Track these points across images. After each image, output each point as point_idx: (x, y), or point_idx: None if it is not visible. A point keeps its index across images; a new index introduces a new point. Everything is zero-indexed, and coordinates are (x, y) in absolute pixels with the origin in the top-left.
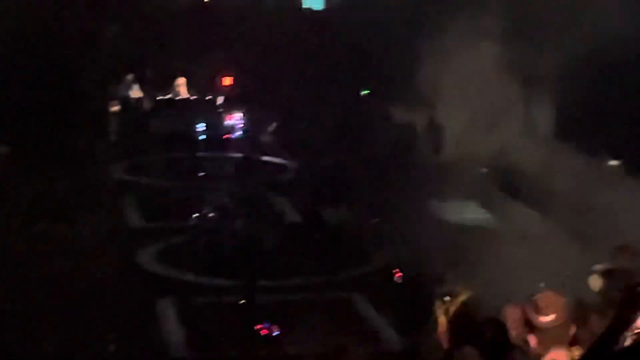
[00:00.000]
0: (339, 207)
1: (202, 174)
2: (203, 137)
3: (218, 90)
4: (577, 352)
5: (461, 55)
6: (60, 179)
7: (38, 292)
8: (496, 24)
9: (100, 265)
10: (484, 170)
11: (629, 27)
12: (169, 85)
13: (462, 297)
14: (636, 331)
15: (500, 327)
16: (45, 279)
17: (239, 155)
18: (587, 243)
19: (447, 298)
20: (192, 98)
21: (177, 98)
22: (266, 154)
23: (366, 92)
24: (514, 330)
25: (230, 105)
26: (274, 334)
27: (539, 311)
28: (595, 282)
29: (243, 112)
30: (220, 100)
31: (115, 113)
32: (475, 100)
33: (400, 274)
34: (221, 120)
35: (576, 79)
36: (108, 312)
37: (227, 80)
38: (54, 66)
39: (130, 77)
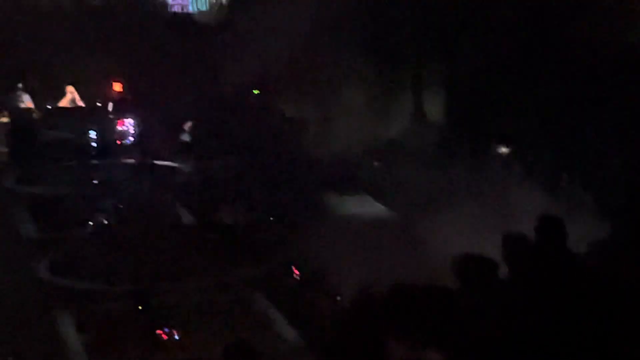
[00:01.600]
0: (234, 207)
1: (95, 181)
2: (95, 144)
3: (108, 96)
4: None
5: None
6: None
7: None
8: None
9: None
10: (377, 163)
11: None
12: (58, 94)
13: None
14: None
15: None
16: None
17: (132, 160)
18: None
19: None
20: (82, 105)
21: (67, 106)
22: (159, 158)
23: (256, 91)
24: None
25: (121, 111)
26: (175, 337)
27: None
28: None
29: (134, 117)
30: (110, 106)
31: (4, 124)
32: (364, 92)
33: (297, 271)
34: (112, 127)
35: (468, 65)
36: (4, 325)
37: (117, 86)
38: None
39: (19, 86)
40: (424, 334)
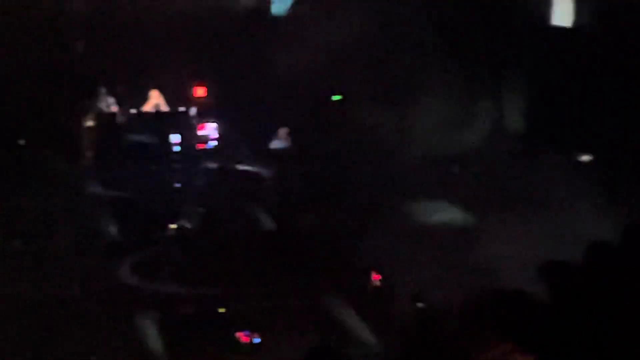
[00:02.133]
0: (314, 212)
1: (177, 185)
2: (177, 148)
3: (191, 101)
4: None
5: (428, 53)
6: (34, 195)
7: (15, 311)
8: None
9: (78, 281)
10: (456, 169)
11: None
12: (142, 98)
13: None
14: None
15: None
16: (22, 297)
17: (214, 165)
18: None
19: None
20: (165, 110)
21: (151, 111)
22: (241, 163)
23: (337, 97)
24: None
25: (204, 115)
26: (255, 341)
27: None
28: None
29: (216, 122)
30: (193, 111)
31: (89, 128)
32: (445, 99)
33: (377, 276)
34: (195, 131)
35: (547, 75)
36: (88, 328)
37: (200, 91)
38: (26, 81)
39: (103, 90)
40: (513, 340)
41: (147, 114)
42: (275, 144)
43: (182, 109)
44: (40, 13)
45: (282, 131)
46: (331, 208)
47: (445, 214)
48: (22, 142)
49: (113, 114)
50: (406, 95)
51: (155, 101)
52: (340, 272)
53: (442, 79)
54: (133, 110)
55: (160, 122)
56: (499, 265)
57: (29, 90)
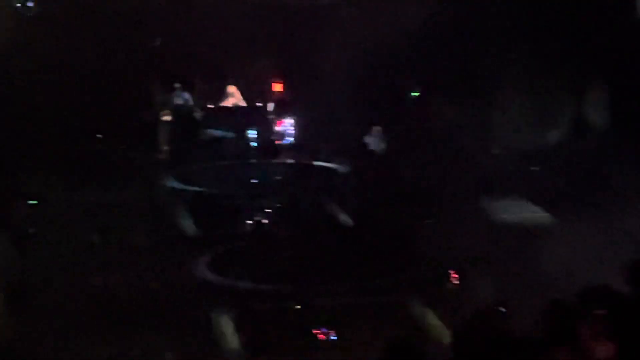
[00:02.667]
0: (391, 209)
1: (254, 180)
2: (254, 144)
3: (268, 96)
4: None
5: (509, 50)
6: (113, 189)
7: (93, 304)
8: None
9: (156, 275)
10: (537, 168)
11: None
12: (220, 94)
13: None
14: None
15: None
16: (100, 291)
17: (291, 161)
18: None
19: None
20: (242, 105)
21: (228, 105)
22: (317, 159)
23: (415, 93)
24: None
25: (281, 111)
26: (331, 338)
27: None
28: None
29: (293, 118)
30: (270, 106)
31: (166, 122)
32: (527, 95)
33: (456, 275)
34: (272, 127)
35: (630, 72)
36: (164, 323)
37: (277, 87)
38: (105, 77)
39: (179, 86)
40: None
41: (225, 109)
42: (369, 142)
43: (259, 104)
44: (119, 8)
45: (376, 129)
46: (410, 205)
47: (526, 212)
48: (100, 136)
49: (191, 109)
50: (487, 92)
51: (232, 97)
52: (418, 270)
53: (523, 75)
54: (210, 106)
55: (238, 118)
56: (579, 263)
57: (108, 84)
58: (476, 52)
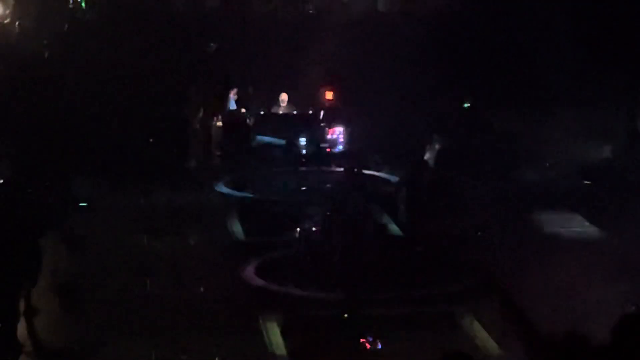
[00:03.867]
0: (442, 219)
1: (304, 188)
2: (305, 151)
3: (320, 104)
4: None
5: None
6: (164, 194)
7: (142, 308)
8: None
9: (205, 280)
10: (588, 182)
11: None
12: (272, 101)
13: None
14: None
15: None
16: (148, 295)
17: (341, 169)
18: None
19: None
20: (294, 112)
21: (280, 112)
22: (368, 168)
23: (467, 104)
24: None
25: (332, 119)
26: (378, 347)
27: None
28: None
29: (344, 126)
30: (322, 114)
31: (219, 128)
32: (581, 109)
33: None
34: (323, 134)
35: None
36: (213, 328)
37: (329, 95)
38: (159, 82)
39: (233, 92)
40: None
41: (277, 116)
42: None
43: (311, 111)
44: (176, 14)
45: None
46: (461, 216)
47: (578, 225)
48: (152, 140)
49: (243, 115)
50: (541, 104)
51: (284, 104)
52: (467, 281)
53: (578, 87)
54: (262, 112)
55: (289, 125)
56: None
57: (161, 89)
58: (530, 63)
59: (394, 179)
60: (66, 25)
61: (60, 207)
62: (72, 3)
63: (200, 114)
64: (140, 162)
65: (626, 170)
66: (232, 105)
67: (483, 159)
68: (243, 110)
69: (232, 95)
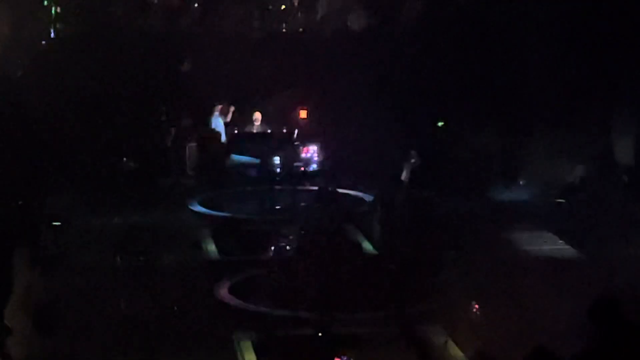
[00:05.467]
0: (415, 238)
1: (278, 206)
2: (279, 170)
3: (294, 123)
4: None
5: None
6: (138, 213)
7: (116, 327)
8: None
9: (179, 299)
10: (561, 200)
11: None
12: (246, 120)
13: None
14: None
15: None
16: (122, 314)
17: (315, 187)
18: None
19: None
20: (268, 132)
21: (254, 132)
22: (342, 186)
23: (441, 123)
24: None
25: (306, 137)
26: None
27: None
28: None
29: (318, 145)
30: (296, 133)
31: (193, 147)
32: (553, 130)
33: (477, 306)
34: (297, 153)
35: None
36: (187, 346)
37: (303, 113)
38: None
39: (207, 111)
40: None
41: (250, 135)
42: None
43: (285, 131)
44: (149, 34)
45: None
46: (434, 235)
47: (550, 244)
48: (126, 159)
49: (217, 135)
50: (514, 123)
51: (258, 122)
52: (440, 300)
53: (552, 108)
54: (236, 131)
55: (263, 144)
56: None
57: (135, 109)
58: (505, 82)
59: (368, 197)
60: (40, 43)
61: (33, 226)
62: (45, 23)
63: (173, 133)
64: (114, 181)
65: (599, 189)
66: (208, 124)
67: (457, 177)
68: (218, 129)
69: (208, 115)
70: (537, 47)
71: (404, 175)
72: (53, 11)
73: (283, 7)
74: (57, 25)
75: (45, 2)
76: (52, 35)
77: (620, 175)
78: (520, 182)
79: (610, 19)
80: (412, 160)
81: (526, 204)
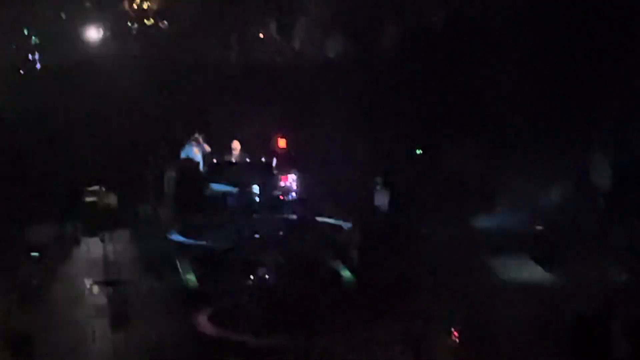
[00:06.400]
0: (394, 266)
1: (257, 235)
2: (258, 198)
3: (273, 152)
4: None
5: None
6: (116, 242)
7: (95, 356)
8: None
9: (158, 328)
10: (540, 227)
11: None
12: (224, 149)
13: None
14: None
15: None
16: (102, 343)
17: (294, 216)
18: None
19: None
20: (246, 160)
21: (232, 160)
22: (320, 215)
23: (420, 150)
24: None
25: (285, 166)
26: None
27: None
28: None
29: (297, 174)
30: (274, 162)
31: (171, 176)
32: (532, 157)
33: (456, 332)
34: (276, 182)
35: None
36: None
37: (282, 142)
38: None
39: (186, 140)
40: None
41: (229, 164)
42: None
43: (263, 159)
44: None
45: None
46: (412, 261)
47: (528, 271)
48: (98, 188)
49: (195, 164)
50: (494, 150)
51: (236, 151)
52: (420, 327)
53: (530, 135)
54: (215, 160)
55: (242, 173)
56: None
57: (113, 138)
58: (483, 109)
59: (346, 225)
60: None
61: (11, 257)
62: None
63: (152, 162)
64: (93, 210)
65: (578, 215)
66: (185, 154)
67: (435, 204)
68: (196, 158)
69: (185, 144)
70: (513, 77)
71: (379, 203)
72: (32, 40)
73: (261, 35)
74: (36, 55)
75: (26, 31)
76: (31, 63)
77: (597, 200)
78: (499, 209)
79: (583, 48)
80: (387, 190)
81: (505, 230)
